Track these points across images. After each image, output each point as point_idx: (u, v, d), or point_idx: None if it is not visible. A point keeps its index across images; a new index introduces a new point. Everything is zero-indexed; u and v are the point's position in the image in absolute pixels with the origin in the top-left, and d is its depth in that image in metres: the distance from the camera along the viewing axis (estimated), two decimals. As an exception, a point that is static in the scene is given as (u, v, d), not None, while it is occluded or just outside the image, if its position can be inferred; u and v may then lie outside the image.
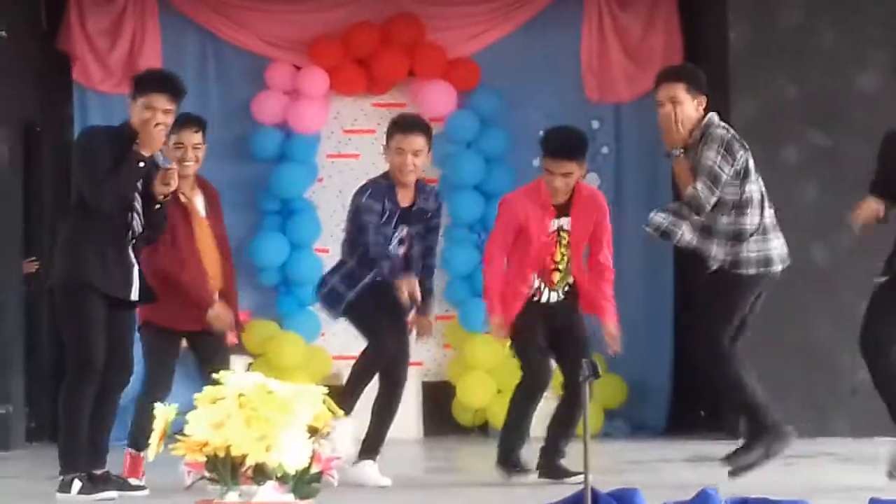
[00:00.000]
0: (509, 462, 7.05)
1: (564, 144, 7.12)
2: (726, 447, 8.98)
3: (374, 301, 7.60)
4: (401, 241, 7.61)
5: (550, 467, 7.06)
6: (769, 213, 7.04)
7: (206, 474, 4.63)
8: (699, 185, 6.62)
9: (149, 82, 6.98)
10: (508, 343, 7.40)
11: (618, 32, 10.75)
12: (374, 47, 10.64)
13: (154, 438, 5.05)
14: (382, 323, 7.60)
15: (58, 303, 6.90)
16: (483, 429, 10.48)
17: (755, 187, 6.91)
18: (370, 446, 7.35)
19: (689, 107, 6.97)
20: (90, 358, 6.67)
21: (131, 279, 6.81)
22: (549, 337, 7.21)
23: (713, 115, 7.09)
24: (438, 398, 10.47)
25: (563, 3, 10.69)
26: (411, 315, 7.69)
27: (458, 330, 10.52)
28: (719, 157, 6.74)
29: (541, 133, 7.35)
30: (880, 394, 6.86)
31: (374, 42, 10.64)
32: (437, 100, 10.63)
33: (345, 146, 10.63)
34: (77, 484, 6.55)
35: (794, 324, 9.60)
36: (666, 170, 10.41)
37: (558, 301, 7.19)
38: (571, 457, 6.79)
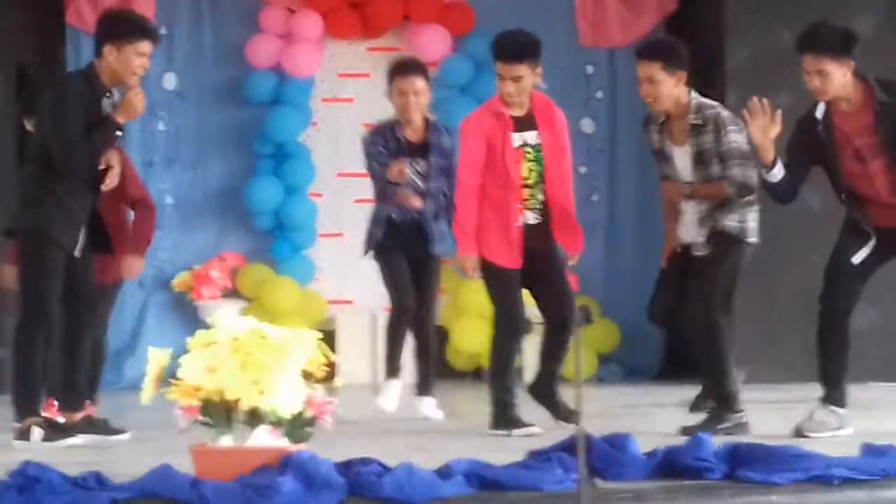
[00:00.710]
0: (506, 420, 6.92)
1: (514, 46, 7.03)
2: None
3: (394, 244, 8.01)
4: (423, 175, 7.89)
5: (543, 393, 7.11)
6: None
7: (200, 418, 4.66)
8: (737, 172, 6.88)
9: (134, 26, 6.88)
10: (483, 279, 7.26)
11: None
12: (368, -7, 10.62)
13: (148, 382, 5.07)
14: (401, 278, 8.00)
15: (18, 250, 6.87)
16: (477, 373, 10.52)
17: None
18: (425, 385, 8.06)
19: (667, 86, 7.06)
20: (43, 307, 6.64)
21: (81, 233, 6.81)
22: (524, 264, 7.10)
23: (699, 98, 7.23)
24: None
25: None
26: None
27: (451, 275, 10.50)
28: (740, 136, 7.00)
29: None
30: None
31: (370, -12, 10.62)
32: (432, 44, 10.63)
33: (339, 90, 10.61)
34: (37, 431, 6.49)
35: (787, 272, 9.64)
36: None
37: (535, 224, 7.06)
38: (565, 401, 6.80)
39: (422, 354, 8.17)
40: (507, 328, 7.15)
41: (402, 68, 8.02)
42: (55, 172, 6.60)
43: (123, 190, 7.51)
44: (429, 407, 7.89)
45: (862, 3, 9.67)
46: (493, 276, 7.07)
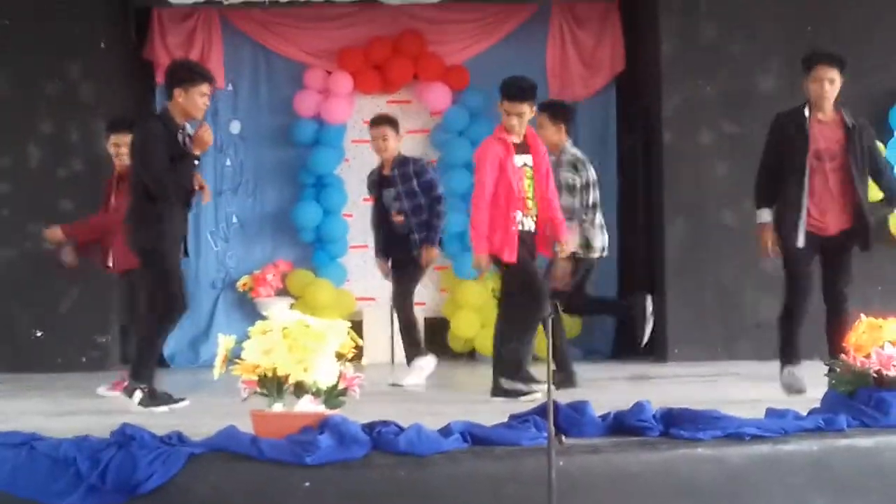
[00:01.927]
0: (525, 378, 6.80)
1: (519, 89, 7.02)
2: (659, 369, 9.14)
3: (385, 250, 8.39)
4: (396, 198, 8.09)
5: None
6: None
7: (258, 390, 4.69)
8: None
9: (196, 72, 6.87)
10: (502, 275, 7.11)
11: (575, 44, 10.62)
12: (388, 56, 10.58)
13: (218, 362, 5.08)
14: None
15: (149, 262, 6.73)
16: (471, 354, 10.48)
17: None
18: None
19: (550, 131, 7.57)
20: (177, 304, 6.64)
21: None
22: None
23: (567, 143, 7.69)
24: (436, 330, 10.41)
25: (533, 22, 10.60)
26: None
27: (451, 277, 10.52)
28: (567, 173, 7.53)
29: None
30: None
31: (388, 52, 10.58)
32: (436, 98, 10.58)
33: (365, 134, 10.43)
34: (138, 394, 6.45)
35: (710, 272, 9.61)
36: (609, 154, 10.53)
37: (532, 231, 7.01)
38: (538, 376, 6.73)
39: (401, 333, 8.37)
40: (539, 303, 6.89)
41: (374, 121, 8.28)
42: (153, 199, 6.57)
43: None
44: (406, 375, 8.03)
45: (763, 66, 9.65)
46: (506, 268, 6.95)
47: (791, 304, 6.94)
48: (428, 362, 8.08)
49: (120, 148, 7.79)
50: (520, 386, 6.74)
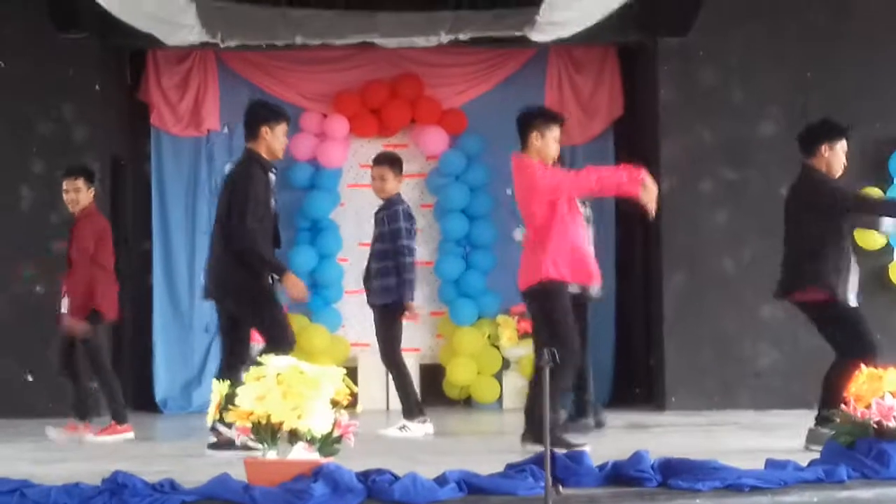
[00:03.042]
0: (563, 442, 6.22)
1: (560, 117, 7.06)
2: (657, 417, 9.11)
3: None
4: (374, 240, 8.04)
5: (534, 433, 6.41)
6: None
7: (252, 437, 4.68)
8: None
9: (281, 111, 7.09)
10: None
11: (573, 89, 10.67)
12: (385, 100, 10.61)
13: (211, 408, 5.08)
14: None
15: (251, 301, 6.84)
16: (467, 402, 10.46)
17: None
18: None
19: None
20: (285, 332, 6.86)
21: None
22: None
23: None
24: (432, 377, 10.40)
25: (530, 66, 10.64)
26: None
27: (447, 323, 10.49)
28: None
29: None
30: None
31: (385, 96, 10.60)
32: (433, 142, 10.60)
33: (361, 178, 10.58)
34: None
35: (708, 320, 9.58)
36: (607, 201, 10.42)
37: None
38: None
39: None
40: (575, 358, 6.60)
41: (375, 159, 8.14)
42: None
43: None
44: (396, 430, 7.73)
45: (762, 112, 9.69)
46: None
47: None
48: (418, 429, 7.73)
49: (68, 193, 7.98)
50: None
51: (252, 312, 6.88)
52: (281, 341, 6.64)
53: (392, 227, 7.83)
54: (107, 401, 8.08)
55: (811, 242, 6.58)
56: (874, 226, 7.50)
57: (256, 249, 6.76)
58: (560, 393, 6.65)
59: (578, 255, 6.57)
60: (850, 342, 6.44)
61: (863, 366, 5.56)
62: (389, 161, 8.03)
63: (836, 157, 6.73)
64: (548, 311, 6.59)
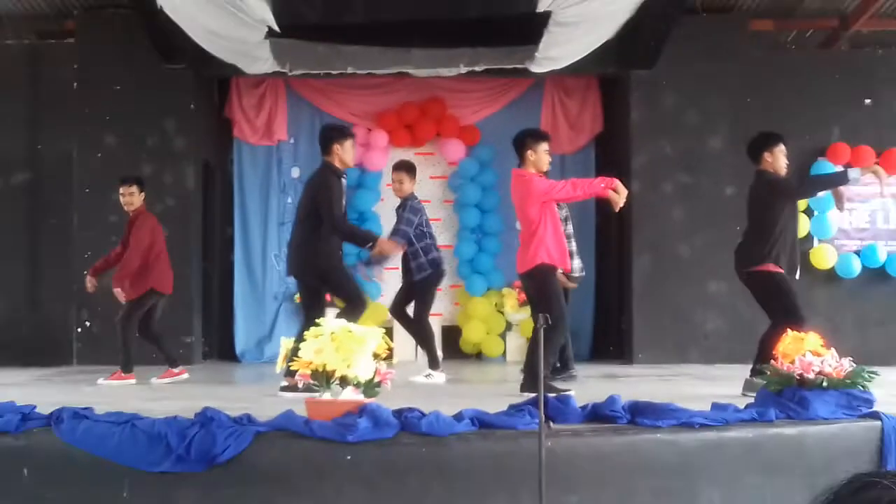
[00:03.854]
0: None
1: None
2: (626, 369, 9.13)
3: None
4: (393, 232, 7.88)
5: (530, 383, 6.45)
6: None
7: (311, 382, 4.73)
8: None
9: (346, 130, 7.07)
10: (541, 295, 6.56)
11: (563, 110, 10.66)
12: (416, 118, 10.62)
13: (279, 359, 5.13)
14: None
15: (334, 276, 6.76)
16: (478, 356, 10.49)
17: None
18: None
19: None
20: (363, 299, 6.79)
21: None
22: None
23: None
24: (450, 336, 10.42)
25: (530, 92, 10.62)
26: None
27: (463, 294, 10.53)
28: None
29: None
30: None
31: (416, 114, 10.62)
32: (453, 151, 10.63)
33: (396, 180, 10.67)
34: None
35: (667, 294, 9.58)
36: (589, 199, 10.41)
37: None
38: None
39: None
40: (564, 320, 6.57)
41: (395, 166, 8.00)
42: (325, 229, 6.63)
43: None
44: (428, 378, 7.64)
45: (712, 130, 9.66)
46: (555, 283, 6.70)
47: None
48: (440, 377, 7.70)
49: (124, 197, 7.78)
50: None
51: (335, 285, 6.89)
52: (359, 304, 6.65)
53: (401, 223, 7.73)
54: (121, 350, 7.68)
55: (764, 229, 6.55)
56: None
57: (354, 231, 7.06)
58: (552, 349, 6.66)
59: (560, 246, 6.58)
60: (783, 311, 6.40)
61: (789, 330, 5.59)
62: (406, 168, 7.93)
63: (777, 159, 6.66)
64: (542, 287, 6.57)
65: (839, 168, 9.03)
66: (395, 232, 7.68)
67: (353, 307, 6.60)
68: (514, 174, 6.77)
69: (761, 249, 6.52)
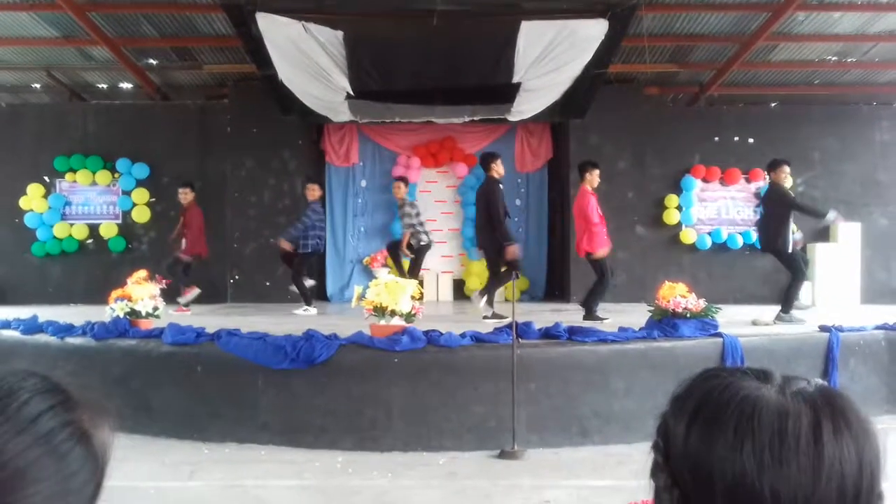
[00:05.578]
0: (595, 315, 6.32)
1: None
2: (566, 307, 8.92)
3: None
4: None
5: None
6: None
7: (374, 313, 4.73)
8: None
9: (497, 154, 6.44)
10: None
11: (528, 144, 10.36)
12: (437, 148, 10.37)
13: (354, 299, 5.11)
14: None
15: (495, 254, 6.22)
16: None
17: None
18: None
19: (402, 190, 7.28)
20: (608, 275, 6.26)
21: None
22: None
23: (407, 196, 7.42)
24: (458, 285, 10.30)
25: (508, 133, 10.29)
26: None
27: (466, 259, 10.45)
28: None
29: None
30: None
31: (437, 147, 10.37)
32: (460, 170, 10.38)
33: (425, 188, 10.56)
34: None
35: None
36: (543, 201, 10.27)
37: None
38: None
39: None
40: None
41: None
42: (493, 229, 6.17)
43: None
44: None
45: (620, 157, 9.45)
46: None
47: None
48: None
49: (181, 195, 7.63)
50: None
51: (494, 258, 6.50)
52: (501, 273, 6.26)
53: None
54: (172, 278, 7.09)
55: (774, 221, 6.40)
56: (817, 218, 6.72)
57: (510, 235, 6.31)
58: (599, 295, 6.50)
59: (602, 237, 6.61)
60: (790, 270, 6.32)
61: (667, 282, 5.54)
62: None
63: (780, 176, 6.46)
64: (598, 263, 6.62)
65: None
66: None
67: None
68: (581, 188, 6.74)
69: (773, 235, 6.33)
